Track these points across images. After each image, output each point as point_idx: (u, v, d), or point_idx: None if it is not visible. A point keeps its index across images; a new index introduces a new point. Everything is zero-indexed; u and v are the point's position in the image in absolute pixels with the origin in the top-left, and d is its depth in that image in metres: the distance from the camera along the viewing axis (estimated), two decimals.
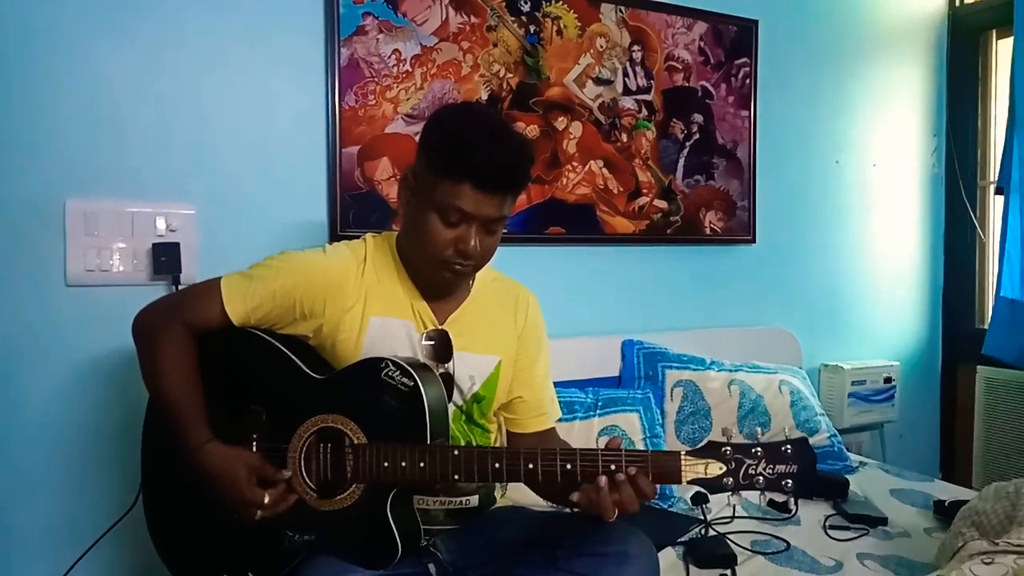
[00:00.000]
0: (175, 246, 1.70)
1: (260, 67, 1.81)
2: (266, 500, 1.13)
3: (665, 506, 1.82)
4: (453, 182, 1.14)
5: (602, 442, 1.47)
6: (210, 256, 1.73)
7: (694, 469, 1.05)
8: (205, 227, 1.75)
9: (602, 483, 1.05)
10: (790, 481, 1.04)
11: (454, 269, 1.20)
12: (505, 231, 2.02)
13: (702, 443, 1.08)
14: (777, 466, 1.04)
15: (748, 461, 1.04)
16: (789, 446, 1.05)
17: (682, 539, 1.60)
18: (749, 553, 1.56)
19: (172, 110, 1.73)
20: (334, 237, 1.86)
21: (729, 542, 1.58)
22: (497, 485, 1.39)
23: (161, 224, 1.71)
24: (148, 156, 1.71)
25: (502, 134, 1.18)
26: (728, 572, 1.47)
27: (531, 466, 1.10)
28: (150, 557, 1.29)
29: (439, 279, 1.24)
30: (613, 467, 1.06)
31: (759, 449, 1.05)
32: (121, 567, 1.69)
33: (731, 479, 1.04)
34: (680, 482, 1.06)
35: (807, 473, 1.04)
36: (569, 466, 1.08)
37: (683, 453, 1.06)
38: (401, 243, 1.30)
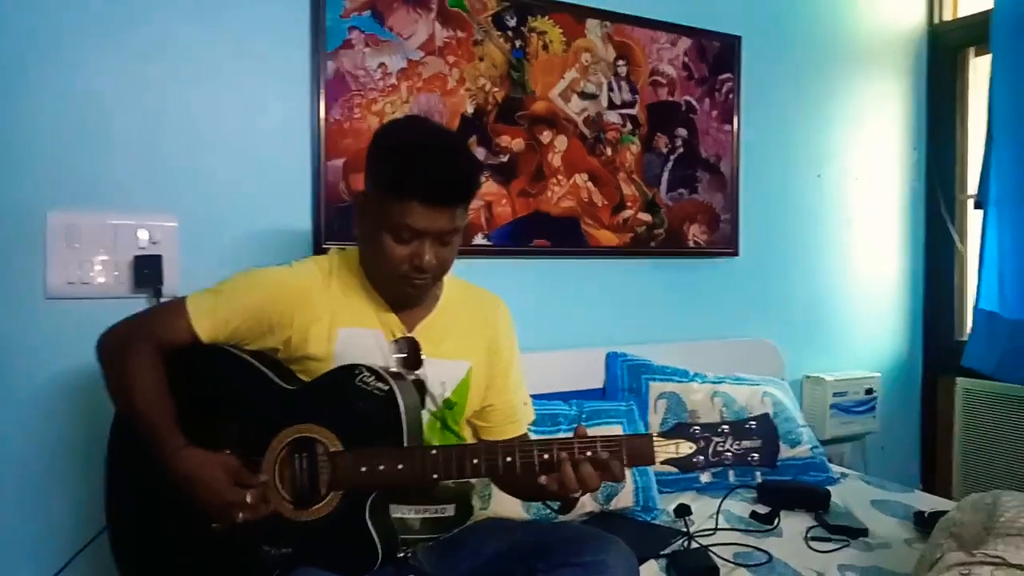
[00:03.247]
0: (157, 258, 1.69)
1: (245, 79, 1.81)
2: (248, 499, 1.11)
3: (648, 519, 1.82)
4: (401, 201, 1.15)
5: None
6: (192, 269, 1.71)
7: (666, 449, 1.10)
8: (188, 239, 1.74)
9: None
10: (756, 455, 1.10)
11: (413, 283, 1.23)
12: (490, 244, 2.06)
13: (670, 427, 1.14)
14: (743, 442, 1.10)
15: (716, 439, 1.10)
16: (753, 423, 1.11)
17: (665, 551, 1.61)
18: (732, 565, 1.57)
19: (156, 122, 1.72)
20: (318, 249, 1.85)
21: (712, 554, 1.59)
22: (474, 495, 1.39)
23: (143, 236, 1.70)
24: (131, 168, 1.70)
25: (443, 147, 1.21)
26: None
27: (509, 459, 1.12)
28: None
29: (402, 294, 1.26)
30: (589, 453, 1.10)
31: (725, 427, 1.11)
32: None
33: (702, 457, 1.09)
34: (654, 463, 1.10)
35: (771, 446, 1.10)
36: (547, 456, 1.11)
37: (654, 435, 1.11)
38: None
